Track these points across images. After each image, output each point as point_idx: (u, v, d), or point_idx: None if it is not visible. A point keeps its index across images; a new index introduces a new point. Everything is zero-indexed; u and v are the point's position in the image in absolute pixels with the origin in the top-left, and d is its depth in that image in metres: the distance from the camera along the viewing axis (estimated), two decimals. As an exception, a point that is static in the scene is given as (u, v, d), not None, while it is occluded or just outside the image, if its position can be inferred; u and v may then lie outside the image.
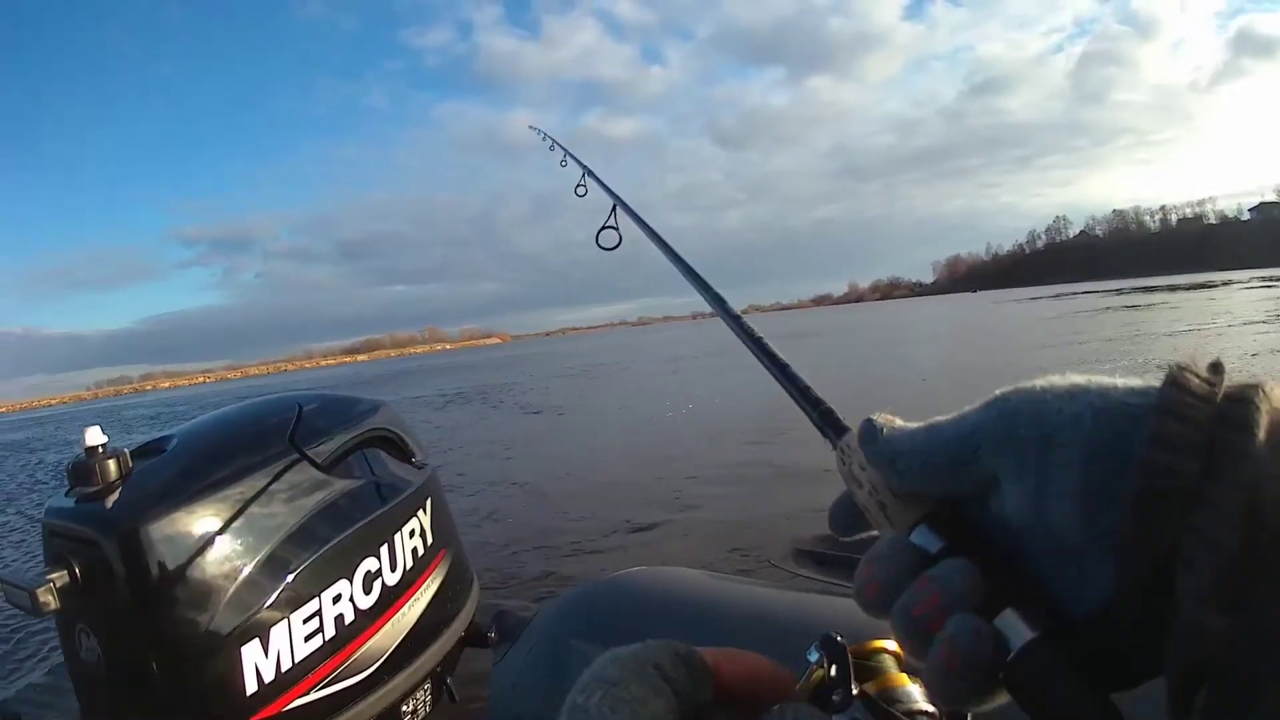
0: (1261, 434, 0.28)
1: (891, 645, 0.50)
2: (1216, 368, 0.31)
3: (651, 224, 0.97)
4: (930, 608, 0.33)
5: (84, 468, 1.04)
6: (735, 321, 0.62)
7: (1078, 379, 0.33)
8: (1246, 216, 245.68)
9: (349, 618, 1.17)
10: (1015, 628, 0.32)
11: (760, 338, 0.56)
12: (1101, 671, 0.31)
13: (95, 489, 1.04)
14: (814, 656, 0.48)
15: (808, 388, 0.48)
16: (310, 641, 1.11)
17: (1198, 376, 0.30)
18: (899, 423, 0.38)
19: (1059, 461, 0.31)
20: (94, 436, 1.05)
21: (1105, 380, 0.33)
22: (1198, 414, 0.29)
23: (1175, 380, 0.30)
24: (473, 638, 1.47)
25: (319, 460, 1.24)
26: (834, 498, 0.42)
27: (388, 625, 1.23)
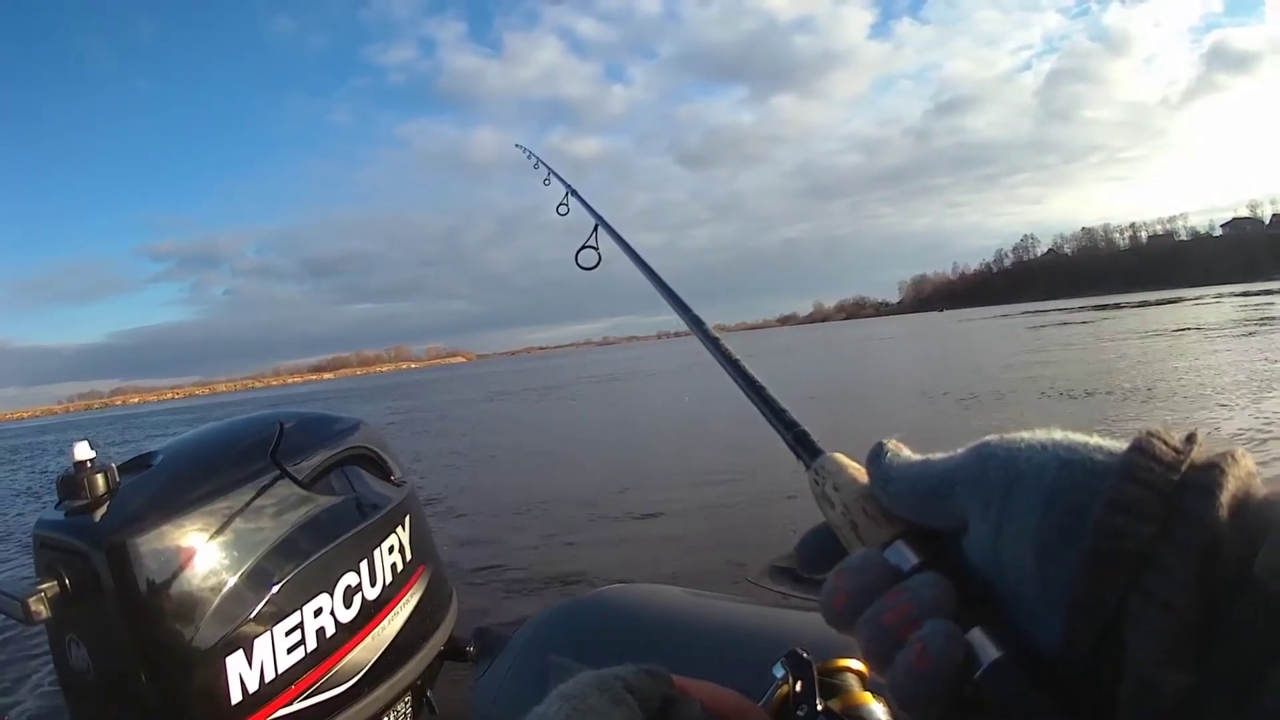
0: (1224, 499, 0.29)
1: (856, 664, 0.52)
2: (1190, 438, 0.32)
3: (632, 244, 0.99)
4: (901, 616, 0.34)
5: (73, 482, 1.06)
6: (713, 344, 0.63)
7: (1057, 434, 0.34)
8: (1219, 232, 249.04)
9: (330, 631, 1.19)
10: (984, 646, 0.32)
11: (737, 359, 0.57)
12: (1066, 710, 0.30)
13: (84, 502, 1.06)
14: (779, 673, 0.51)
15: (783, 410, 0.49)
16: (293, 654, 1.13)
17: (1166, 444, 0.31)
18: (905, 451, 0.40)
19: (1018, 506, 0.33)
20: (82, 451, 1.07)
21: (1080, 437, 0.34)
22: (1159, 479, 0.30)
23: (1141, 446, 0.31)
24: (452, 652, 1.49)
25: (300, 477, 1.26)
26: (808, 523, 0.43)
27: (368, 638, 1.25)
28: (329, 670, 1.17)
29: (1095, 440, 0.33)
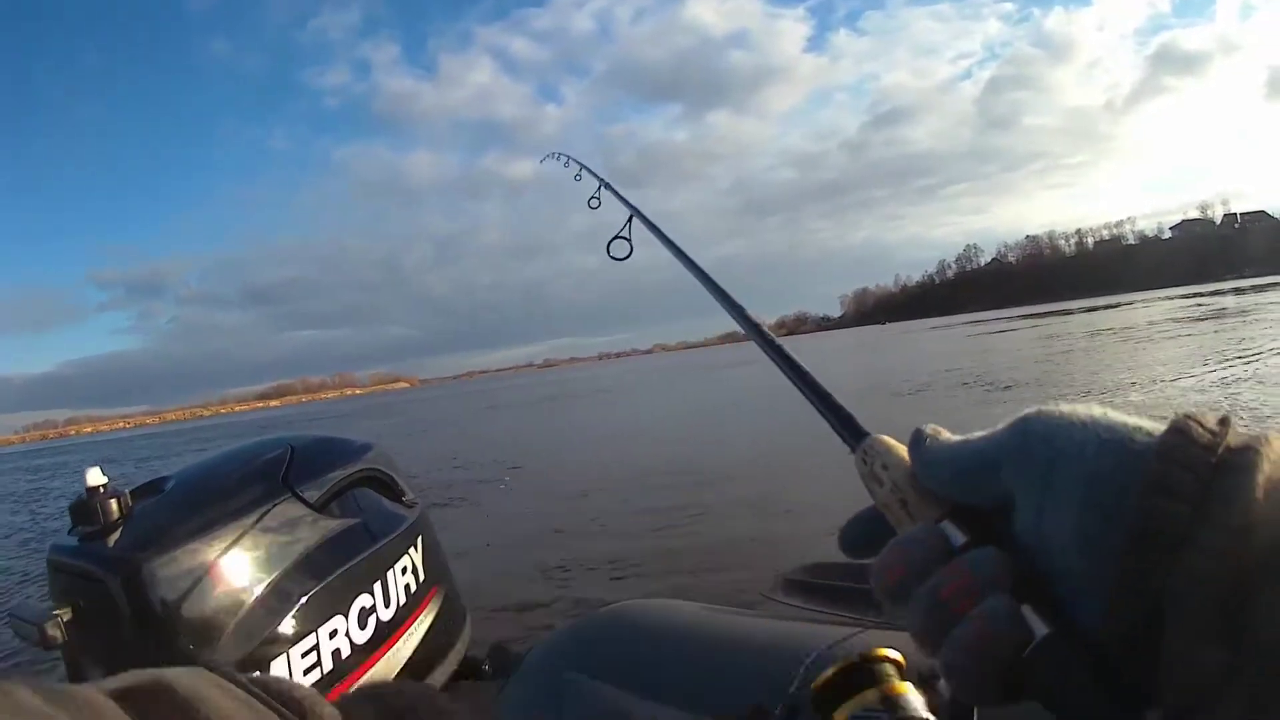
0: (1260, 480, 0.29)
1: (894, 654, 0.53)
2: (1224, 421, 0.32)
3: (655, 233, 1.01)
4: (958, 590, 0.34)
5: (86, 508, 1.06)
6: (756, 331, 0.63)
7: (1096, 410, 0.35)
8: (1168, 235, 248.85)
9: (345, 652, 1.19)
10: (1033, 622, 0.32)
11: (780, 345, 0.57)
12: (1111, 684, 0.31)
13: (97, 528, 1.06)
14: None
15: (828, 394, 0.50)
16: (309, 675, 1.12)
17: (1202, 426, 0.32)
18: (944, 434, 0.40)
19: (1060, 485, 0.33)
20: (94, 477, 1.08)
21: (1119, 415, 0.34)
22: (1196, 461, 0.31)
23: (1179, 427, 0.32)
24: (468, 671, 1.48)
25: (311, 500, 1.26)
26: (832, 527, 0.43)
27: (383, 659, 1.25)
28: (345, 691, 1.17)
29: (1134, 420, 0.34)
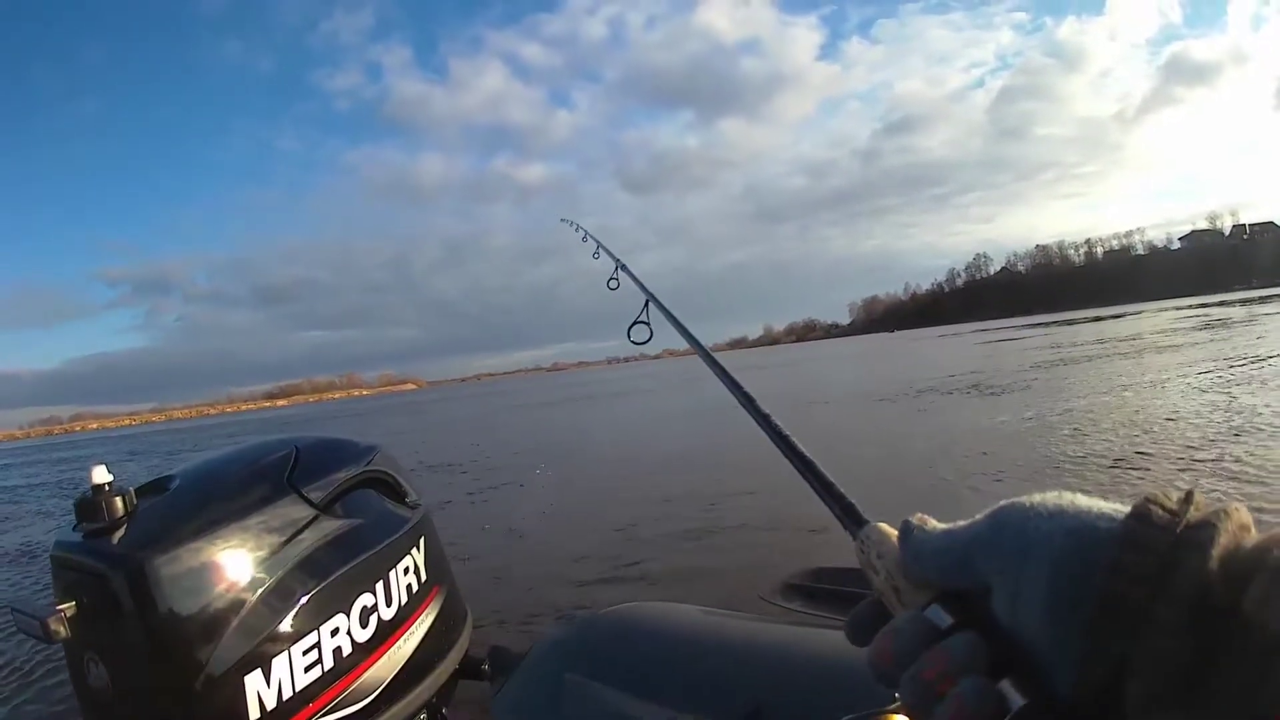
0: (1215, 554, 0.32)
1: (900, 718, 0.55)
2: (1188, 498, 0.36)
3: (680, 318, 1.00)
4: (938, 674, 0.37)
5: (91, 504, 1.08)
6: (764, 421, 0.66)
7: (1064, 499, 0.38)
8: (1177, 245, 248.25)
9: (346, 650, 1.20)
10: (1010, 695, 0.36)
11: (787, 435, 0.61)
12: None
13: (101, 525, 1.07)
14: None
15: (831, 483, 0.53)
16: (310, 672, 1.14)
17: (1163, 508, 0.35)
18: (931, 523, 0.44)
19: (1031, 574, 0.37)
20: (100, 475, 1.09)
21: (1086, 502, 0.38)
22: (1154, 543, 0.34)
23: (1138, 512, 0.35)
24: (467, 670, 1.50)
25: (315, 500, 1.27)
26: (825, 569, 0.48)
27: (384, 658, 1.26)
28: (345, 688, 1.18)
29: (1099, 506, 0.38)
